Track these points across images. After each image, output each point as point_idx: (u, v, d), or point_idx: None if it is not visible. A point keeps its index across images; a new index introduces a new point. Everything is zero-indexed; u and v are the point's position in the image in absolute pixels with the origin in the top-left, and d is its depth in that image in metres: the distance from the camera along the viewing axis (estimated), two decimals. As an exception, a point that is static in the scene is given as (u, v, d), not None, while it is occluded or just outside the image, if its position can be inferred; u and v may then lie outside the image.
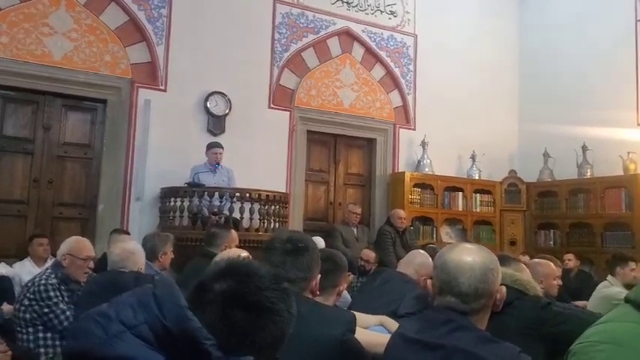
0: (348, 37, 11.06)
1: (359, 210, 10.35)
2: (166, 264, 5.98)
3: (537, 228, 11.72)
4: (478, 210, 11.79)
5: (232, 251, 4.51)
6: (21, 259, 7.60)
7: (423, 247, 7.66)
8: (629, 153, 10.34)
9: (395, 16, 11.55)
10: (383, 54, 11.36)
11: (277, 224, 8.69)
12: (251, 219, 8.38)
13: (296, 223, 9.97)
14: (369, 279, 5.41)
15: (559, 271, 5.53)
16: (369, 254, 8.51)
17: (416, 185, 11.06)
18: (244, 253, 3.97)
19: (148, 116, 9.08)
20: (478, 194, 11.79)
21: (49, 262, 6.64)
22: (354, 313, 3.13)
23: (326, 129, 10.88)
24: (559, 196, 11.29)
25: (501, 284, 2.44)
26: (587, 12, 11.53)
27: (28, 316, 4.90)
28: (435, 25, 11.81)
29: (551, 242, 11.40)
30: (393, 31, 11.50)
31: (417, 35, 11.71)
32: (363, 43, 11.20)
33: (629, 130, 10.56)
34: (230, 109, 9.66)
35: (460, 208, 11.60)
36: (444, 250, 2.50)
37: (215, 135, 9.51)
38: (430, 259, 4.78)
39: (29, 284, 5.09)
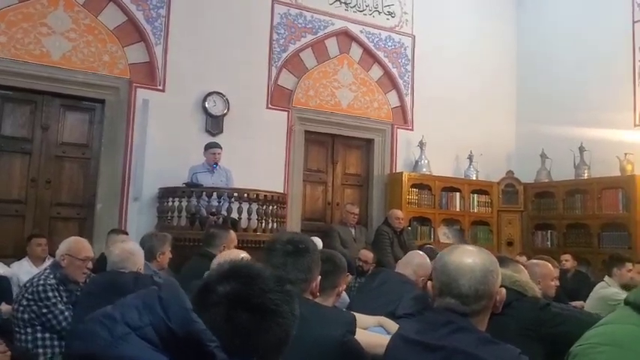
0: (346, 37, 11.08)
1: (357, 210, 10.35)
2: (164, 264, 5.98)
3: (534, 228, 11.73)
4: (475, 210, 11.81)
5: (232, 252, 4.51)
6: (19, 259, 7.61)
7: (421, 248, 7.70)
8: (626, 154, 10.34)
9: (393, 17, 11.57)
10: (381, 54, 11.37)
11: (275, 224, 8.69)
12: (249, 219, 8.37)
13: (294, 223, 9.98)
14: (367, 280, 5.43)
15: (557, 272, 5.55)
16: (367, 254, 8.51)
17: (413, 186, 11.08)
18: (244, 254, 3.98)
19: (146, 116, 9.08)
20: (475, 195, 11.81)
21: (47, 262, 6.68)
22: (354, 314, 3.15)
23: (324, 129, 10.88)
24: (556, 196, 11.29)
25: (500, 286, 2.46)
26: (584, 14, 11.55)
27: (26, 316, 4.89)
28: (432, 26, 11.83)
29: (549, 243, 11.41)
30: (391, 32, 11.52)
31: (414, 36, 11.73)
32: (361, 44, 11.21)
33: (626, 131, 10.59)
34: (228, 109, 9.67)
35: (458, 209, 11.62)
36: (444, 252, 2.51)
37: (213, 135, 9.52)
38: (428, 260, 4.81)
39: (28, 284, 5.08)
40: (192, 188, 8.43)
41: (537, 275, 4.78)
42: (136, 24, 9.26)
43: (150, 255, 5.62)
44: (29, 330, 4.90)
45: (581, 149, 10.97)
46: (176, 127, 9.31)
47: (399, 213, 10.21)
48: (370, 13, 11.30)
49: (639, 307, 1.64)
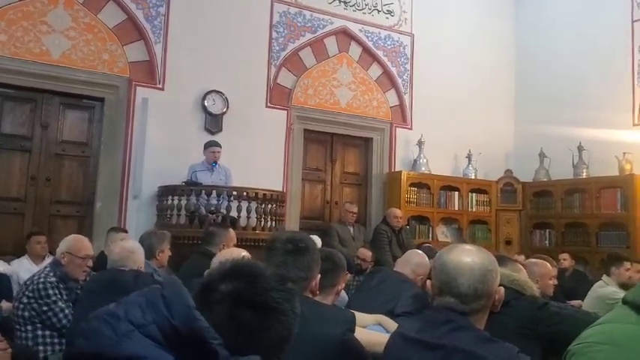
0: (345, 36, 11.08)
1: (355, 209, 10.34)
2: (164, 262, 6.00)
3: (533, 227, 11.74)
4: (474, 209, 11.82)
5: (233, 251, 4.52)
6: (18, 257, 7.61)
7: (419, 247, 7.72)
8: (624, 153, 10.35)
9: (392, 16, 11.58)
10: (380, 53, 11.38)
11: (274, 223, 8.69)
12: (248, 218, 8.38)
13: (292, 221, 9.99)
14: (365, 278, 5.43)
15: (555, 271, 5.56)
16: (366, 253, 8.53)
17: (412, 184, 11.08)
18: (245, 253, 4.00)
19: (146, 115, 9.08)
20: (474, 194, 11.81)
21: (47, 260, 6.70)
22: (353, 312, 3.17)
23: (323, 128, 10.89)
24: (555, 195, 11.30)
25: (499, 285, 2.47)
26: (583, 13, 11.56)
27: (27, 314, 4.91)
28: (431, 25, 11.84)
29: (547, 242, 11.42)
30: (390, 31, 11.52)
31: (414, 35, 11.73)
32: (360, 43, 11.22)
33: (625, 131, 10.60)
34: (227, 108, 9.68)
35: (456, 208, 11.63)
36: (443, 251, 2.53)
37: (212, 134, 9.53)
38: (427, 259, 4.83)
39: (28, 282, 5.10)
40: (191, 186, 8.45)
41: (536, 274, 4.79)
42: (136, 22, 9.27)
43: (149, 253, 5.63)
44: (29, 327, 4.92)
45: (580, 148, 10.98)
46: (175, 126, 9.32)
47: (397, 212, 10.23)
48: (369, 11, 11.31)
49: (637, 306, 1.65)
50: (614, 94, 10.81)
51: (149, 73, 9.31)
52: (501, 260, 3.39)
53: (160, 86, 9.34)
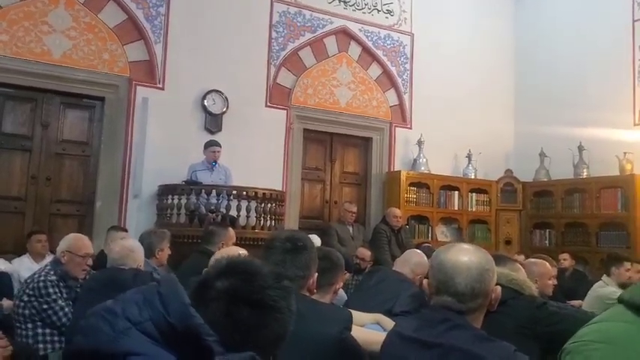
0: (344, 35, 11.09)
1: (355, 208, 10.34)
2: (163, 260, 6.03)
3: (533, 227, 11.74)
4: (474, 209, 11.82)
5: (231, 249, 4.52)
6: (19, 256, 7.65)
7: (418, 246, 7.70)
8: (625, 153, 10.34)
9: (392, 15, 11.58)
10: (380, 53, 11.38)
11: (273, 222, 8.70)
12: (247, 217, 8.40)
13: (292, 221, 10.00)
14: (364, 278, 5.44)
15: (554, 271, 5.57)
16: (365, 252, 8.53)
17: (412, 184, 11.08)
18: (242, 251, 4.00)
19: (146, 114, 9.09)
20: (474, 193, 11.81)
21: (48, 259, 6.72)
22: (351, 311, 3.18)
23: (322, 127, 10.90)
24: (555, 195, 11.30)
25: (498, 283, 2.48)
26: (583, 12, 11.55)
27: (27, 312, 4.93)
28: (431, 24, 11.83)
29: (547, 242, 11.42)
30: (389, 30, 11.53)
31: (413, 34, 11.74)
32: (359, 42, 11.22)
33: (626, 131, 10.59)
34: (227, 108, 9.69)
35: (456, 207, 11.63)
36: (440, 250, 2.54)
37: (212, 133, 9.54)
38: (426, 259, 4.83)
39: (28, 281, 5.13)
40: (191, 186, 8.45)
41: (535, 274, 4.79)
42: (136, 22, 9.28)
43: (149, 252, 5.66)
44: (30, 325, 4.95)
45: (580, 148, 10.97)
46: (175, 125, 9.33)
47: (397, 211, 10.22)
48: (369, 11, 11.31)
49: (633, 304, 1.66)
50: (615, 94, 10.80)
51: (149, 72, 9.32)
52: (500, 260, 3.41)
53: (160, 86, 9.35)
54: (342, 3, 11.03)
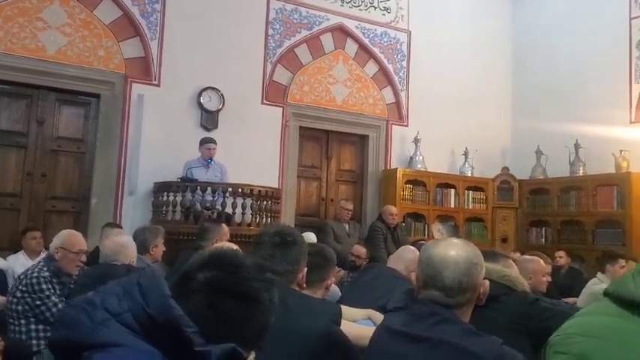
0: (341, 33, 11.08)
1: (351, 206, 10.36)
2: (158, 257, 6.01)
3: (529, 225, 11.73)
4: (470, 207, 11.81)
5: (222, 245, 4.54)
6: (14, 252, 7.65)
7: (414, 244, 7.70)
8: (621, 151, 10.34)
9: (388, 12, 11.57)
10: (376, 50, 11.38)
11: (269, 219, 8.72)
12: (243, 214, 8.41)
13: (288, 218, 9.99)
14: (359, 274, 5.43)
15: (548, 268, 5.57)
16: (360, 250, 8.52)
17: (408, 182, 11.07)
18: (234, 247, 4.00)
19: (142, 111, 9.09)
20: (470, 191, 11.80)
21: (43, 255, 6.69)
22: (341, 306, 3.17)
23: (319, 125, 10.91)
24: (551, 193, 11.30)
25: (490, 279, 2.48)
26: (581, 8, 11.53)
27: (20, 308, 4.95)
28: (428, 22, 11.82)
29: (543, 239, 11.41)
30: (386, 28, 11.51)
31: (410, 32, 11.72)
32: (356, 39, 11.21)
33: (622, 128, 10.58)
34: (223, 105, 9.68)
35: (452, 205, 11.62)
36: (428, 245, 2.55)
37: (208, 130, 9.54)
38: (420, 256, 4.82)
39: (22, 277, 5.15)
40: (187, 183, 8.45)
41: (529, 271, 4.81)
42: (132, 19, 9.27)
43: (143, 248, 5.66)
44: (23, 321, 4.96)
45: (577, 146, 10.97)
46: (171, 122, 9.32)
47: (393, 209, 10.21)
48: (366, 8, 11.30)
49: (617, 298, 1.66)
50: (611, 92, 10.79)
51: (145, 69, 9.31)
52: (493, 256, 3.41)
53: (156, 83, 9.34)
54: (338, 0, 11.01)
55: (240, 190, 8.44)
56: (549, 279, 5.33)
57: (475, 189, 11.85)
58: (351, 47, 11.19)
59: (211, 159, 8.91)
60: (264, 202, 8.68)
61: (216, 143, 8.98)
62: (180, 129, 9.35)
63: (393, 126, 11.42)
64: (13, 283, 5.70)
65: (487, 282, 2.45)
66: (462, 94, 11.83)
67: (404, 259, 4.90)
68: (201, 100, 9.56)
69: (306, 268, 2.98)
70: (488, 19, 12.51)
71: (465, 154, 11.78)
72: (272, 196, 8.85)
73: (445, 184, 11.56)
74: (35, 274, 5.03)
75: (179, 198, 8.39)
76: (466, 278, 2.34)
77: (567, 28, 11.68)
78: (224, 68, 9.74)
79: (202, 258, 1.65)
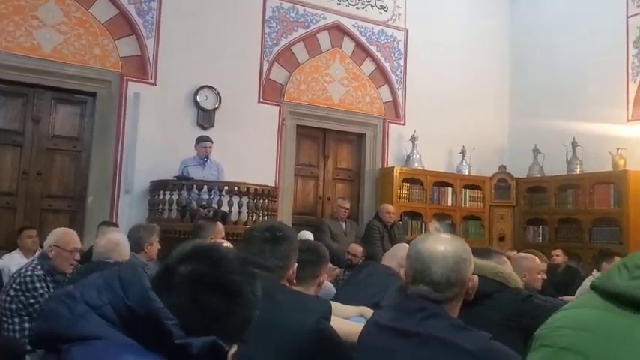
0: (338, 31, 11.07)
1: (348, 205, 10.35)
2: (153, 255, 5.99)
3: (526, 223, 11.75)
4: (467, 205, 11.81)
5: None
6: (10, 251, 7.68)
7: (409, 242, 7.70)
8: (618, 149, 10.35)
9: (386, 11, 11.56)
10: (373, 49, 11.37)
11: (266, 218, 8.70)
12: (239, 212, 8.40)
13: (285, 217, 9.96)
14: (354, 272, 5.46)
15: (543, 266, 5.57)
16: (357, 248, 8.52)
17: (405, 180, 11.08)
18: (226, 244, 4.01)
19: (138, 109, 9.09)
20: (467, 190, 11.80)
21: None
22: (332, 302, 3.17)
23: (315, 124, 10.90)
24: (548, 191, 11.31)
25: (483, 276, 2.49)
26: (578, 7, 11.53)
27: (14, 306, 4.94)
28: (425, 20, 11.82)
29: (540, 238, 11.43)
30: (383, 26, 11.51)
31: (407, 30, 11.72)
32: (353, 38, 11.20)
33: (619, 127, 10.58)
34: (220, 103, 9.67)
35: (449, 204, 11.63)
36: (417, 240, 2.55)
37: (204, 129, 9.53)
38: (414, 253, 4.82)
39: (16, 275, 5.15)
40: (183, 181, 8.43)
41: (524, 268, 4.81)
42: (128, 17, 9.26)
43: (137, 246, 5.66)
44: (17, 320, 4.96)
45: (574, 144, 10.98)
46: (167, 121, 9.31)
47: (390, 208, 10.22)
48: (363, 7, 11.28)
49: (602, 291, 1.65)
50: (608, 90, 10.80)
51: (141, 67, 9.31)
52: (486, 252, 3.41)
53: (152, 81, 9.34)
54: (335, -2, 11.02)
55: (236, 188, 8.42)
56: (544, 276, 5.33)
57: (472, 187, 11.86)
58: (348, 46, 11.18)
59: (207, 157, 8.90)
60: (261, 201, 8.66)
61: (212, 142, 8.97)
62: (176, 127, 9.34)
63: (390, 124, 11.42)
64: (8, 281, 5.70)
65: (476, 277, 2.46)
66: (459, 92, 11.82)
67: (398, 256, 4.89)
68: (198, 99, 9.55)
69: (296, 264, 2.97)
70: (486, 18, 12.51)
71: (462, 152, 11.78)
72: (268, 194, 8.83)
73: (442, 182, 11.56)
74: (29, 273, 5.03)
75: (175, 196, 8.37)
76: (454, 273, 2.35)
77: (565, 27, 11.68)
78: (220, 66, 9.73)
79: (184, 251, 1.64)
